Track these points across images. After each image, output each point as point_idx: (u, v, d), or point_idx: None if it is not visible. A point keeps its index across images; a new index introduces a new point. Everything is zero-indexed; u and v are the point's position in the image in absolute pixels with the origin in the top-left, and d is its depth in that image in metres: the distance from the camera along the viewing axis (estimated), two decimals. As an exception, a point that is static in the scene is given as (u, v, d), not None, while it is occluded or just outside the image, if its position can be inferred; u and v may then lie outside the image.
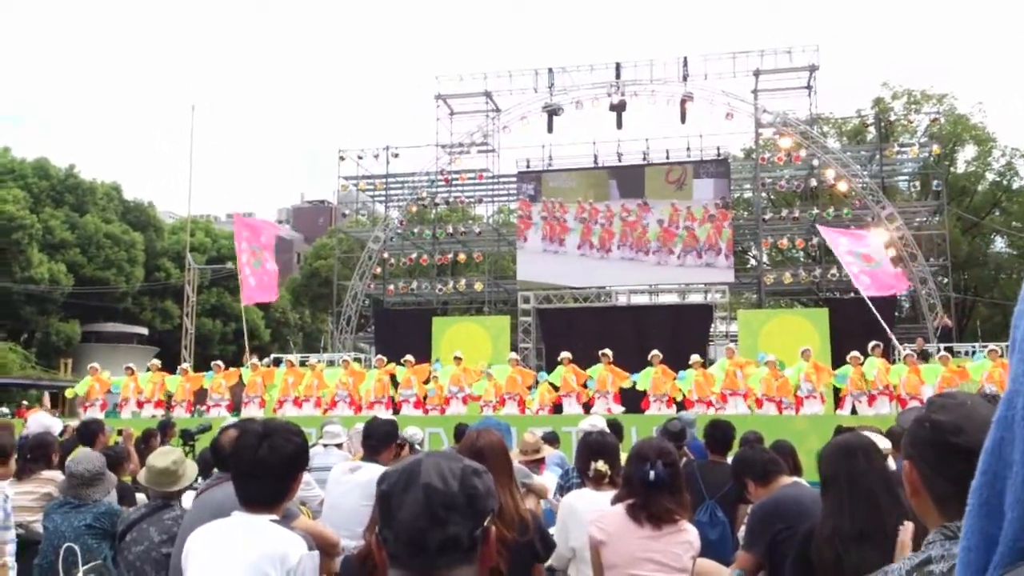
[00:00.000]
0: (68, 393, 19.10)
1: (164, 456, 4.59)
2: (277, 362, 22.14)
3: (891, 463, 4.13)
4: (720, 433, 5.77)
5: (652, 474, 3.44)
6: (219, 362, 17.87)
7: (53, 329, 37.78)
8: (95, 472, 4.79)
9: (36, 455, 5.61)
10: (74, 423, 10.89)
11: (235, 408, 16.97)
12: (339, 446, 7.36)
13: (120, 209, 42.56)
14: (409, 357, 17.01)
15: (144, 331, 42.20)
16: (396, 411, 15.81)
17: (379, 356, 18.73)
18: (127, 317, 41.84)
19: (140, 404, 16.91)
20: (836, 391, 15.84)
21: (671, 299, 27.88)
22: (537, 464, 5.86)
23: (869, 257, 17.27)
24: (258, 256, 18.56)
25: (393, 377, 16.91)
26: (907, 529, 2.10)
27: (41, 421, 7.16)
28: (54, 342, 37.82)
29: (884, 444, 4.21)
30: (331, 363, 23.58)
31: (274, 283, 18.85)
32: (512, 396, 15.96)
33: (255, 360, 17.85)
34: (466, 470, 1.46)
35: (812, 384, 14.83)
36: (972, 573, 0.78)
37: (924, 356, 17.00)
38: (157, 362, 18.18)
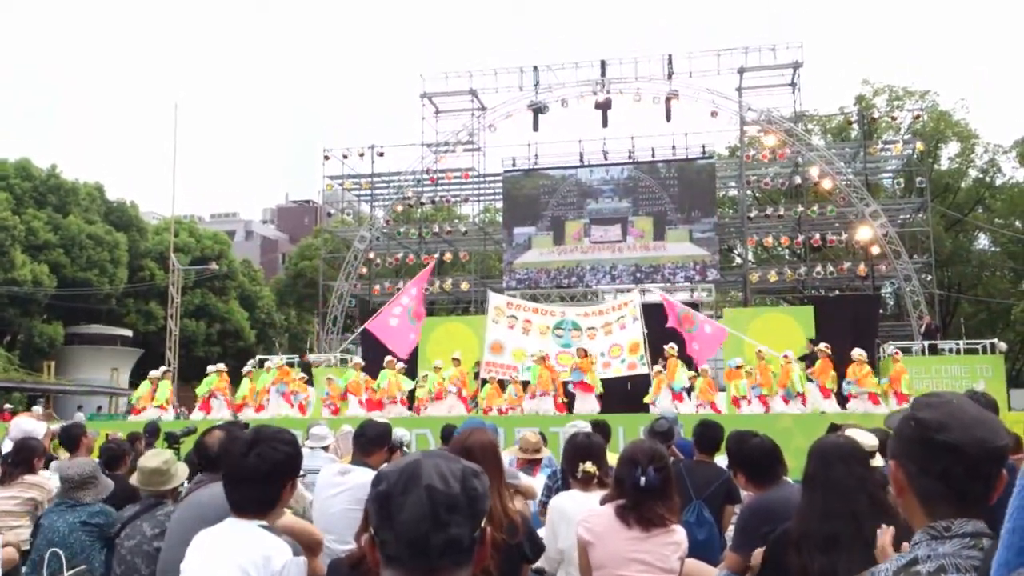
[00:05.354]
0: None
1: (155, 457, 4.63)
2: (262, 363, 22.09)
3: (879, 460, 4.13)
4: (711, 433, 5.76)
5: (643, 480, 3.43)
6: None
7: (36, 331, 37.41)
8: (86, 476, 4.83)
9: (18, 459, 5.56)
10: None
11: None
12: (325, 448, 7.33)
13: (103, 209, 42.17)
14: (426, 372, 17.76)
15: (128, 333, 41.81)
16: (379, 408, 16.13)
17: (356, 360, 19.26)
18: (111, 318, 41.43)
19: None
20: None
21: (657, 298, 27.86)
22: (533, 465, 5.85)
23: (689, 319, 16.22)
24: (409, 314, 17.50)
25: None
26: (887, 532, 2.10)
27: (23, 426, 7.02)
28: (37, 344, 37.44)
29: (871, 441, 4.20)
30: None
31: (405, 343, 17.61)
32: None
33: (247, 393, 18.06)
34: (466, 471, 1.45)
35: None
36: (1014, 555, 0.74)
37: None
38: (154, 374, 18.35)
